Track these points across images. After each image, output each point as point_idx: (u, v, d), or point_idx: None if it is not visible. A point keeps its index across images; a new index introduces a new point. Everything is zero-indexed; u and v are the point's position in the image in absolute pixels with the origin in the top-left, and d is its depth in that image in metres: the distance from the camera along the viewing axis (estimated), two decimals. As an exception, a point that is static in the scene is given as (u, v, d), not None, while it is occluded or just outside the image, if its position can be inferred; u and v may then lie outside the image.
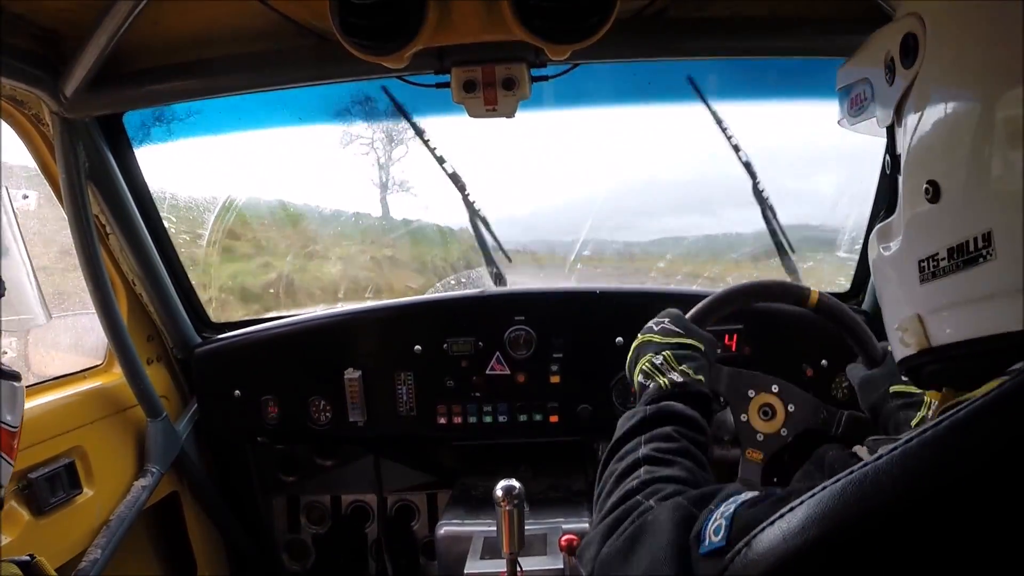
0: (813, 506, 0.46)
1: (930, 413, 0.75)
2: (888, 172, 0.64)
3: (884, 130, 0.65)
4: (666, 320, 1.04)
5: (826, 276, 1.96)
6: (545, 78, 1.22)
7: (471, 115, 1.19)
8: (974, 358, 0.52)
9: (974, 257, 0.51)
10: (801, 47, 1.27)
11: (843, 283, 1.77)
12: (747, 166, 1.68)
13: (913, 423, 1.00)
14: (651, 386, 0.93)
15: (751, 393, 1.15)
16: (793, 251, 1.75)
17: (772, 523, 0.48)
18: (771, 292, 1.20)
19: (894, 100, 0.61)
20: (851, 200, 1.91)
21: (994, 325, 0.51)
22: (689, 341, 1.00)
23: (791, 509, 0.48)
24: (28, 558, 0.83)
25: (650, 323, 1.05)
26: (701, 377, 0.94)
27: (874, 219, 1.60)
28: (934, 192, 0.54)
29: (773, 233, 1.74)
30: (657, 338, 1.00)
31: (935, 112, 0.56)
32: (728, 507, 0.54)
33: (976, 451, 0.41)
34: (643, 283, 2.11)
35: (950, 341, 0.56)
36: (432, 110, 1.69)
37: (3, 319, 0.84)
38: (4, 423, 0.78)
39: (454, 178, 1.76)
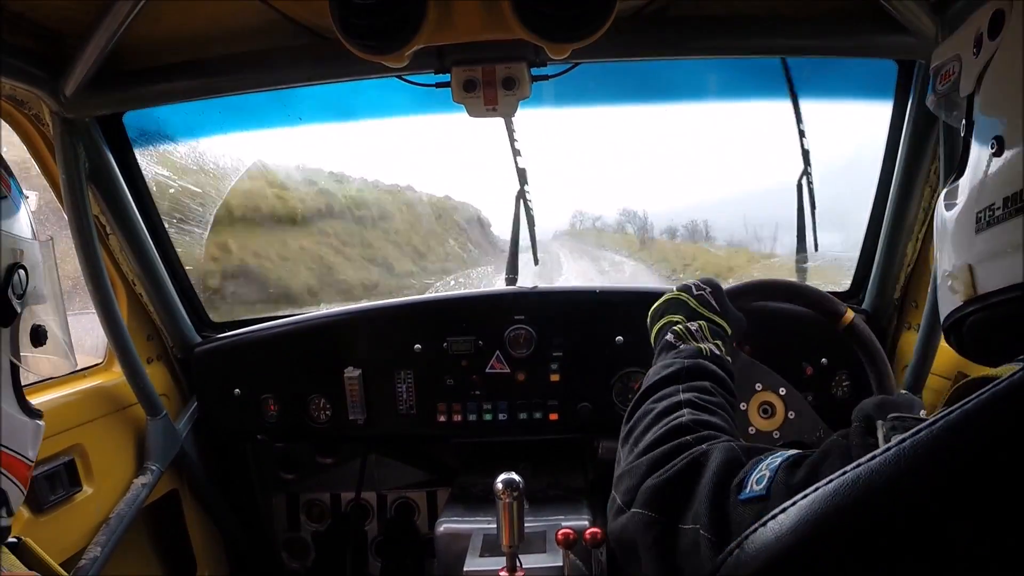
0: (806, 506, 0.47)
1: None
2: (963, 136, 0.69)
3: (963, 105, 0.70)
4: (707, 290, 1.04)
5: (828, 275, 1.95)
6: (545, 77, 1.22)
7: (471, 115, 1.19)
8: (1015, 304, 0.56)
9: None
10: (802, 46, 1.27)
11: (844, 283, 1.77)
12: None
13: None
14: (683, 346, 0.94)
15: (758, 387, 1.15)
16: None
17: (765, 523, 0.49)
18: (808, 298, 1.17)
19: (977, 69, 0.66)
20: (851, 199, 1.91)
21: None
22: (721, 322, 1.00)
23: (783, 510, 0.48)
24: (15, 540, 0.83)
25: (689, 283, 1.05)
26: (729, 358, 0.96)
27: (877, 217, 1.59)
28: (998, 147, 0.60)
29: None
30: (693, 303, 1.01)
31: (1008, 75, 0.62)
32: (774, 460, 0.58)
33: (969, 453, 0.41)
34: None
35: (995, 287, 0.60)
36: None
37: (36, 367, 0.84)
38: (27, 458, 0.79)
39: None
